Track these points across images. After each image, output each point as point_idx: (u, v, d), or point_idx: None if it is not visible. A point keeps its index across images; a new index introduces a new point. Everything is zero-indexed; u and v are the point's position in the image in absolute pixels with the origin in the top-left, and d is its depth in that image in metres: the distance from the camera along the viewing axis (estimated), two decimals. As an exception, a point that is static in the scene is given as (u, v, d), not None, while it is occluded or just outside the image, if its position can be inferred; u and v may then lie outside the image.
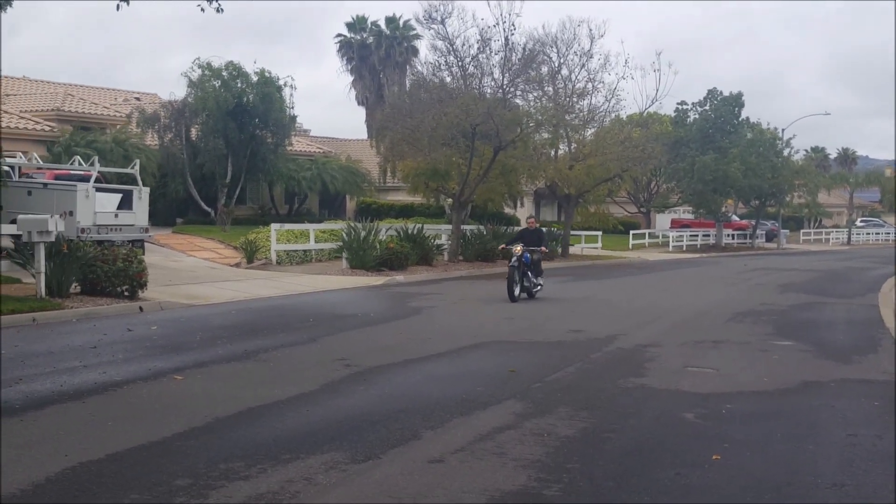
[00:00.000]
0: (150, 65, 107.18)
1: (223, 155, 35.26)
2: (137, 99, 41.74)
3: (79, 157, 24.68)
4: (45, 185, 21.88)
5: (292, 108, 36.75)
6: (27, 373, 9.24)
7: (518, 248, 18.71)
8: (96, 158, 24.31)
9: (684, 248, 50.58)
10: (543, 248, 19.82)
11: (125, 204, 22.29)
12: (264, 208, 41.24)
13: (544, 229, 21.45)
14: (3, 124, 27.05)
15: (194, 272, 22.68)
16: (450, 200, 34.09)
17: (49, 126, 32.30)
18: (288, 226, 28.88)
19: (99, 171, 22.62)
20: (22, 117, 32.23)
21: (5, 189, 21.43)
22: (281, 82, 36.03)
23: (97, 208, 21.23)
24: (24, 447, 6.43)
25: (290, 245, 26.80)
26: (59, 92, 38.24)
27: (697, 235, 54.10)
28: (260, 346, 11.54)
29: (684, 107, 51.66)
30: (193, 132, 35.97)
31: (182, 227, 33.82)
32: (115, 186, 23.19)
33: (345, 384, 9.17)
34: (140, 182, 23.22)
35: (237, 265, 25.18)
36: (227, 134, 34.69)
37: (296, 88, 50.23)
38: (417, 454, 6.53)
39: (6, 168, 21.96)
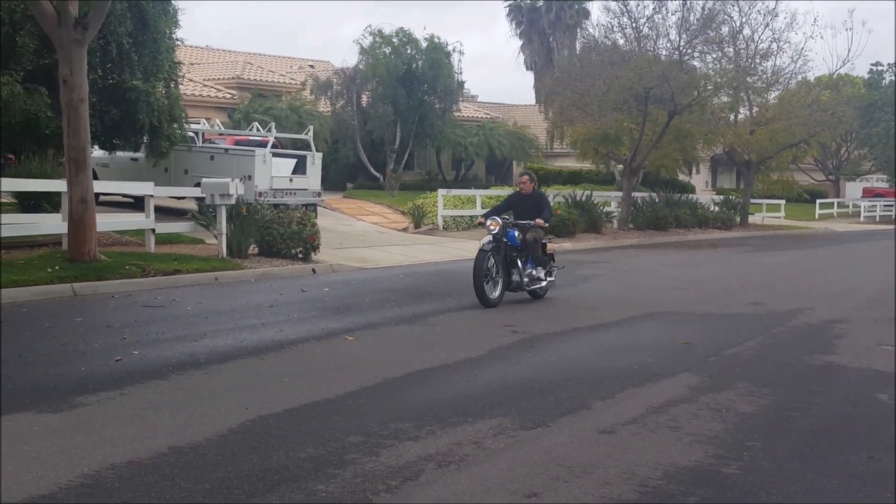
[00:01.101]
0: (326, 33, 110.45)
1: (392, 121, 35.92)
2: (311, 67, 43.08)
3: (257, 123, 25.76)
4: (226, 150, 22.99)
5: (460, 73, 37.02)
6: (210, 328, 9.76)
7: (491, 223, 12.41)
8: (273, 125, 25.29)
9: (877, 219, 47.67)
10: (540, 221, 12.61)
11: (299, 169, 23.13)
12: (431, 174, 41.84)
13: (553, 194, 16.42)
14: (188, 92, 28.56)
15: (364, 236, 23.30)
16: (620, 167, 33.45)
17: (230, 94, 33.90)
18: (455, 191, 29.14)
19: (275, 137, 23.54)
20: (205, 85, 33.98)
21: (190, 154, 22.72)
22: (449, 48, 36.31)
23: (273, 173, 22.11)
24: (207, 399, 6.79)
25: (456, 211, 27.05)
26: (239, 61, 40.02)
27: (892, 205, 50.79)
28: (427, 309, 11.72)
29: (879, 68, 48.48)
30: (364, 99, 36.80)
31: (352, 191, 34.82)
32: (290, 152, 24.10)
33: (512, 350, 9.17)
34: (313, 147, 24.01)
35: (404, 230, 25.68)
36: (395, 100, 35.28)
37: (464, 54, 50.62)
38: (587, 424, 6.44)
39: (191, 134, 23.24)
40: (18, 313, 10.47)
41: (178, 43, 21.79)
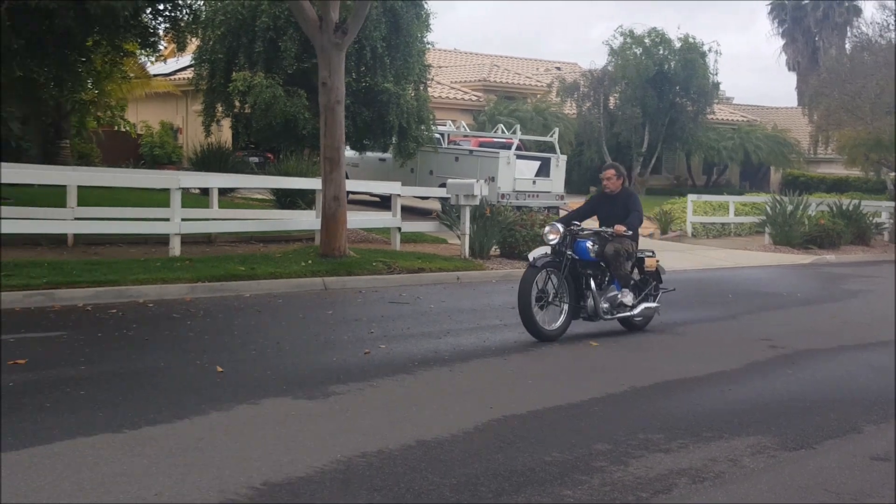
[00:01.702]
0: (573, 34, 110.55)
1: (640, 123, 35.32)
2: (558, 69, 43.28)
3: (502, 125, 26.15)
4: (471, 151, 23.50)
5: (715, 74, 35.90)
6: (454, 327, 9.97)
7: (549, 231, 9.67)
8: (518, 127, 25.58)
9: None
10: (619, 228, 9.73)
11: (543, 171, 23.23)
12: (680, 178, 40.76)
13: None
14: (436, 94, 29.51)
15: (608, 242, 22.99)
16: (893, 175, 31.04)
17: (476, 96, 34.69)
18: (706, 197, 28.14)
19: (519, 139, 23.79)
20: (452, 88, 34.99)
21: (435, 155, 23.43)
22: (705, 48, 35.29)
23: (517, 175, 22.35)
24: (452, 395, 6.93)
25: (706, 217, 26.14)
26: (485, 63, 40.88)
27: None
28: (676, 318, 11.36)
29: None
30: (611, 101, 36.47)
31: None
32: (533, 154, 24.26)
33: (770, 366, 8.69)
34: (558, 150, 24.04)
35: (650, 235, 25.08)
36: (645, 102, 34.67)
37: (720, 54, 48.93)
38: (858, 448, 5.98)
39: (437, 135, 23.98)
40: (275, 304, 11.17)
41: (429, 46, 22.58)
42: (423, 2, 21.58)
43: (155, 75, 27.96)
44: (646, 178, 35.68)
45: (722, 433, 6.18)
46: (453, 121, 27.41)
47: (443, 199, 19.43)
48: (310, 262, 13.83)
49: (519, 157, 22.80)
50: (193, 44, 21.15)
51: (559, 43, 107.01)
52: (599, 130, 35.83)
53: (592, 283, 9.66)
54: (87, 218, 14.06)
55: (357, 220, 17.03)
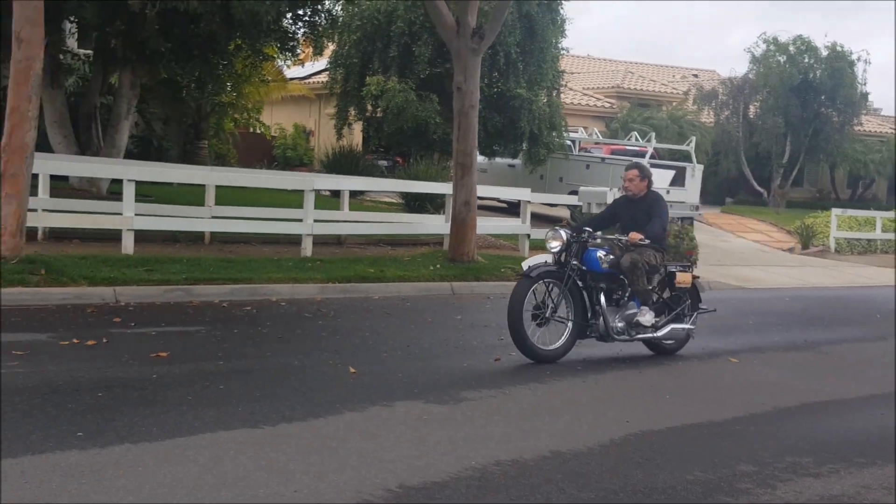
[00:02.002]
0: (711, 40, 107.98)
1: (782, 133, 34.21)
2: (695, 76, 42.35)
3: (635, 133, 25.75)
4: (603, 159, 23.24)
5: (864, 84, 34.45)
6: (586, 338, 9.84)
7: (551, 238, 8.55)
8: (653, 135, 25.15)
9: None
10: (635, 237, 8.55)
11: (677, 181, 22.77)
12: (822, 192, 39.28)
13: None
14: (567, 101, 29.32)
15: (743, 254, 22.37)
16: None
17: (609, 103, 34.30)
18: (851, 212, 27.05)
19: (654, 148, 23.38)
20: (584, 94, 34.71)
21: (566, 162, 23.26)
22: (853, 57, 33.94)
23: (650, 184, 21.92)
24: (586, 407, 6.84)
25: (851, 233, 25.12)
26: (619, 69, 40.37)
27: None
28: (819, 337, 10.93)
29: None
30: (751, 110, 35.47)
31: (731, 206, 33.66)
32: (668, 163, 23.81)
33: (927, 392, 8.24)
34: (694, 159, 23.52)
35: (790, 250, 24.30)
36: (787, 111, 33.57)
37: (870, 63, 47.02)
38: None
39: (568, 142, 23.81)
40: (403, 307, 11.28)
41: (563, 52, 22.47)
42: (560, 6, 21.48)
43: (291, 79, 28.74)
44: (786, 191, 34.50)
45: (874, 459, 5.89)
46: (585, 127, 27.17)
47: (572, 207, 19.28)
48: (438, 266, 13.92)
49: (653, 165, 22.37)
50: (329, 48, 21.63)
51: (695, 49, 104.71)
52: (738, 140, 34.85)
53: (602, 299, 8.50)
54: (223, 217, 14.53)
55: (486, 225, 17.04)
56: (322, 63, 25.18)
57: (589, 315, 8.45)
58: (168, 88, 20.84)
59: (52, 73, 15.85)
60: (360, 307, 10.99)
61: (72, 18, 16.45)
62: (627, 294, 8.67)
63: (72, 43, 20.26)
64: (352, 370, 7.33)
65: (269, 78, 23.80)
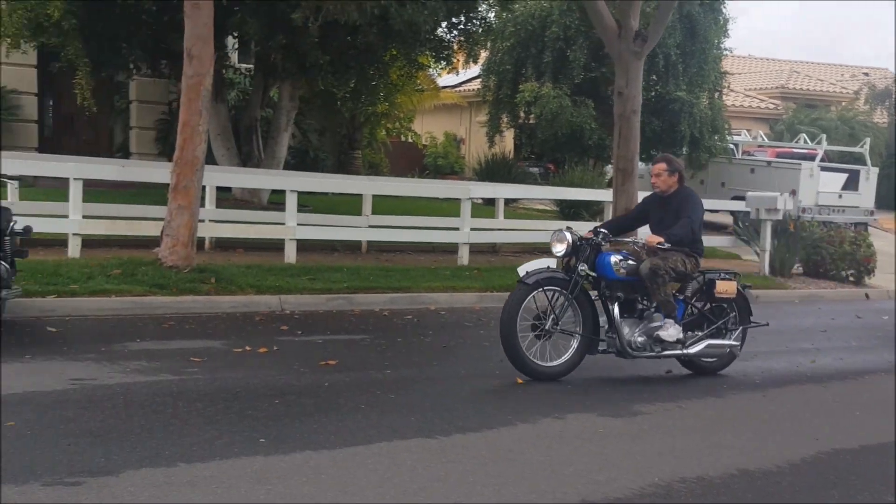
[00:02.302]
0: (881, 37, 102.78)
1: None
2: (866, 74, 40.47)
3: (804, 135, 24.79)
4: (769, 163, 22.45)
5: None
6: (760, 349, 9.47)
7: (555, 241, 7.71)
8: (824, 137, 24.14)
9: None
10: (652, 240, 7.67)
11: (850, 184, 21.79)
12: None
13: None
14: (728, 102, 28.51)
15: (923, 263, 21.13)
16: None
17: (773, 104, 33.19)
18: None
19: (824, 150, 22.44)
20: (747, 95, 33.71)
21: (728, 166, 22.59)
22: None
23: (820, 188, 21.08)
24: (769, 423, 6.58)
25: None
26: (783, 69, 39.02)
27: None
28: None
29: None
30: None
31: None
32: (840, 166, 22.79)
33: None
34: (868, 162, 22.44)
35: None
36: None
37: None
38: None
39: (730, 146, 23.14)
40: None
41: (726, 53, 21.89)
42: (723, 6, 20.94)
43: (442, 87, 29.10)
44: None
45: None
46: (748, 130, 26.36)
47: (735, 213, 18.72)
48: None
49: (823, 168, 21.49)
50: (482, 55, 21.79)
51: (864, 47, 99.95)
52: (914, 140, 33.09)
53: (616, 309, 7.64)
54: (379, 226, 14.83)
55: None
56: (473, 71, 25.39)
57: (606, 328, 7.68)
58: (324, 100, 21.43)
59: (217, 87, 16.55)
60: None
61: (234, 34, 17.14)
62: (654, 305, 7.75)
63: (232, 58, 21.12)
64: (518, 381, 7.31)
65: (423, 87, 24.15)
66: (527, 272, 7.51)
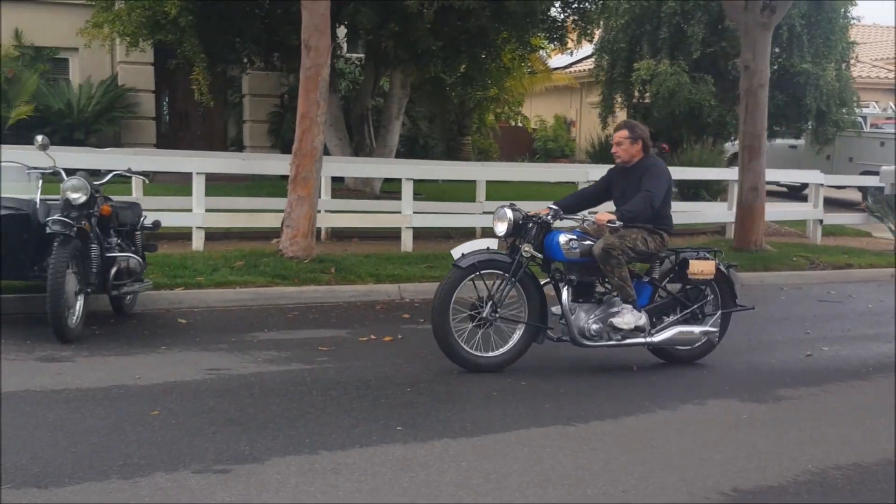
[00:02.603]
0: None
1: None
2: None
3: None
4: (901, 135, 21.57)
5: None
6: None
7: (497, 223, 7.12)
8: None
9: None
10: (603, 217, 6.93)
11: None
12: None
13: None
14: (856, 74, 27.44)
15: None
16: None
17: (901, 73, 31.80)
18: None
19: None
20: (874, 66, 32.39)
21: (857, 140, 21.77)
22: None
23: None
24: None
25: None
26: (910, 36, 37.31)
27: None
28: None
29: None
30: None
31: None
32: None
33: None
34: None
35: None
36: None
37: None
38: None
39: (858, 119, 22.29)
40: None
41: (853, 22, 21.11)
42: (851, -28, 20.22)
43: (553, 69, 28.86)
44: None
45: None
46: (876, 102, 25.35)
47: (865, 189, 18.05)
48: (723, 255, 13.44)
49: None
50: (595, 34, 21.51)
51: None
52: None
53: (565, 294, 7.01)
54: (491, 211, 14.77)
55: (771, 211, 16.26)
56: (584, 51, 25.08)
57: (560, 315, 7.07)
58: (433, 87, 21.51)
59: (329, 78, 16.80)
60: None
61: (345, 24, 17.34)
62: (589, 287, 7.15)
63: (343, 48, 21.40)
64: (633, 368, 7.21)
65: (535, 69, 23.98)
66: (462, 254, 6.95)
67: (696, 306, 7.41)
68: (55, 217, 7.39)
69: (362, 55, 20.42)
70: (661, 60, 20.19)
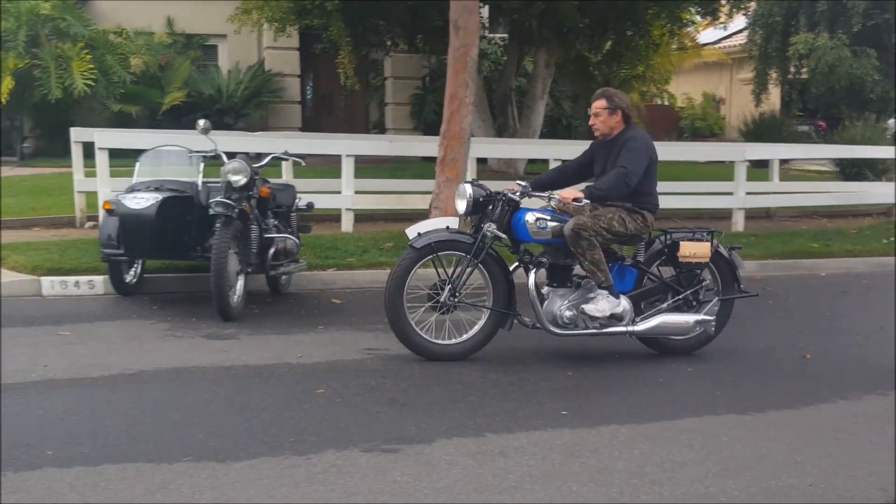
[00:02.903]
0: None
1: None
2: None
3: None
4: None
5: None
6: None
7: (457, 200, 6.65)
8: None
9: None
10: (567, 194, 6.40)
11: None
12: None
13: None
14: None
15: None
16: None
17: None
18: None
19: None
20: None
21: None
22: None
23: None
24: None
25: None
26: None
27: None
28: None
29: None
30: None
31: None
32: None
33: None
34: None
35: None
36: None
37: None
38: None
39: None
40: (860, 285, 10.49)
41: None
42: None
43: (703, 45, 28.11)
44: None
45: None
46: None
47: None
48: (892, 238, 12.84)
49: None
50: (751, 7, 20.82)
51: None
52: None
53: (532, 278, 6.48)
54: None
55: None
56: (734, 26, 24.31)
57: (511, 297, 6.56)
58: (577, 66, 21.26)
59: (475, 58, 16.80)
60: (808, 285, 10.40)
61: (488, 3, 17.29)
62: (561, 271, 6.61)
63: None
64: (806, 355, 6.89)
65: (685, 45, 23.38)
66: (418, 234, 6.50)
67: (688, 292, 6.75)
68: (217, 199, 7.62)
69: (505, 35, 20.34)
70: (819, 34, 19.38)
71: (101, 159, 10.84)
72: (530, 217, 6.40)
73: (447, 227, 6.58)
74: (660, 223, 12.65)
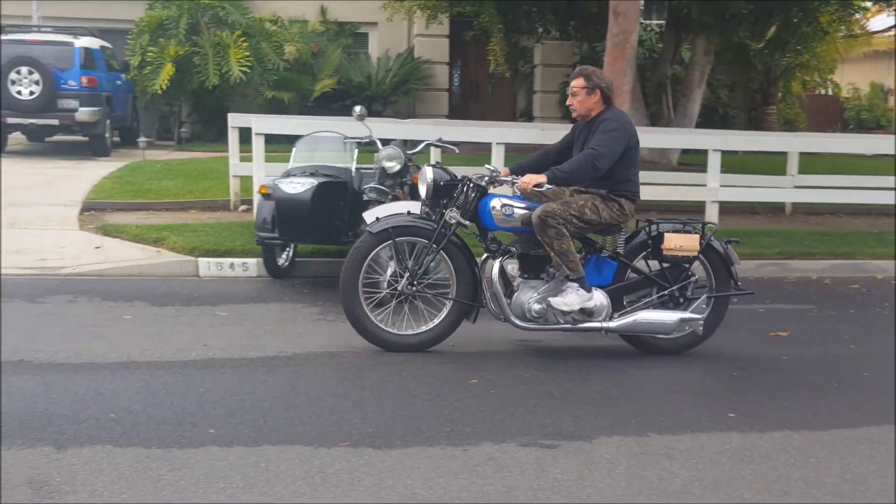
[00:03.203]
0: None
1: None
2: None
3: None
4: None
5: None
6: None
7: (420, 184, 6.42)
8: None
9: None
10: (528, 180, 5.85)
11: None
12: None
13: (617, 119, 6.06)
14: None
15: None
16: None
17: None
18: None
19: None
20: None
21: None
22: None
23: None
24: None
25: None
26: None
27: None
28: None
29: None
30: None
31: None
32: None
33: None
34: None
35: None
36: None
37: None
38: None
39: None
40: None
41: None
42: None
43: (873, 32, 26.78)
44: None
45: None
46: None
47: None
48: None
49: None
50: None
51: None
52: None
53: (496, 268, 6.12)
54: (805, 186, 13.86)
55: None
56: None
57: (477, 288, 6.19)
58: (736, 54, 20.59)
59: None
60: None
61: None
62: (530, 261, 6.22)
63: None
64: None
65: (853, 32, 22.29)
66: (376, 219, 6.25)
67: (674, 287, 6.29)
68: (371, 185, 7.66)
69: (662, 21, 19.86)
70: None
71: (258, 144, 11.08)
72: (496, 203, 6.10)
73: (408, 212, 6.36)
74: (820, 220, 11.97)
